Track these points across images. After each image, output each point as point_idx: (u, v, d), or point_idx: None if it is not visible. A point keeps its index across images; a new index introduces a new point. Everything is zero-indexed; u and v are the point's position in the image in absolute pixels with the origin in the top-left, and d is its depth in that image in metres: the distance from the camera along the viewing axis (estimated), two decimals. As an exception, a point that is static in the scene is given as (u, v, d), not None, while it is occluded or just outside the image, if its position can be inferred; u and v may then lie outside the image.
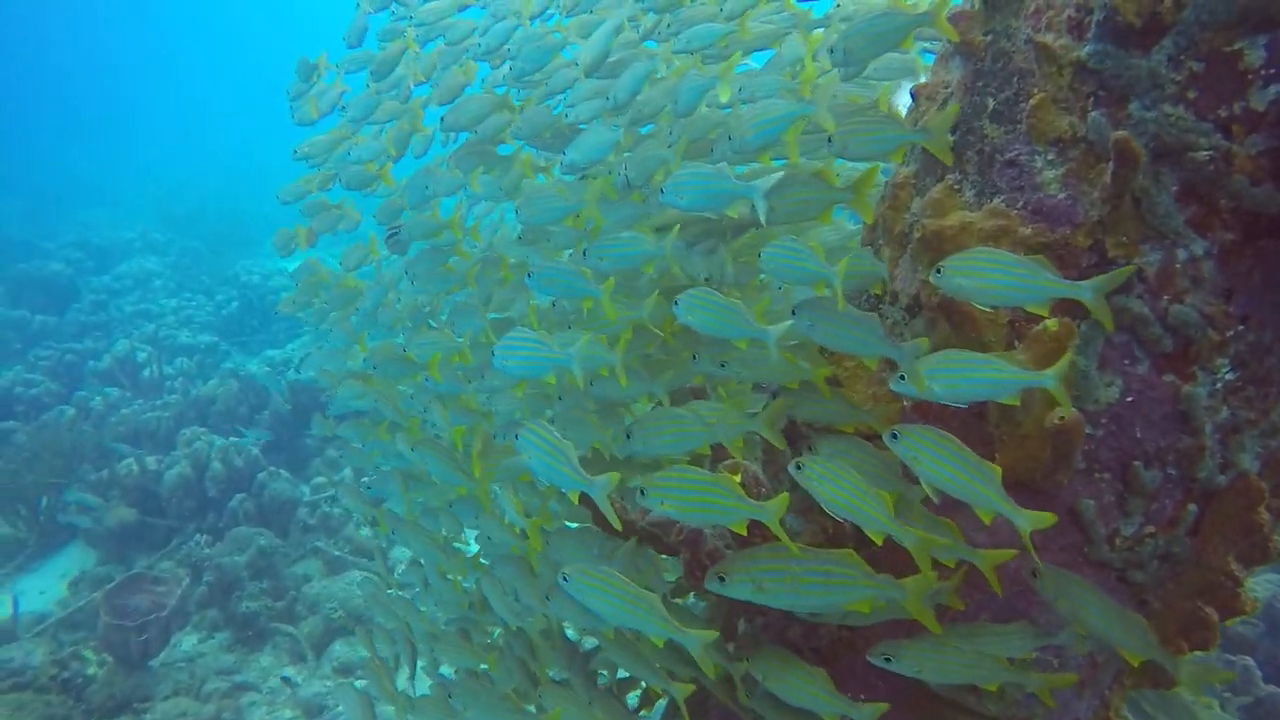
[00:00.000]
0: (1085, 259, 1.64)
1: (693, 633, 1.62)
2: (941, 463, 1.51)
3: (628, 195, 2.47)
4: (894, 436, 1.56)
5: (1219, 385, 1.63)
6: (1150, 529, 1.73)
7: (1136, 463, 1.68)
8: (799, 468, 1.60)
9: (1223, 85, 1.48)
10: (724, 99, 2.40)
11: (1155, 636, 1.61)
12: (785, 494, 1.63)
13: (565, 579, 1.65)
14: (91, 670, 5.38)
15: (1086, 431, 1.66)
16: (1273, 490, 1.75)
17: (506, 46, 2.94)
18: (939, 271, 1.56)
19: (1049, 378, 1.53)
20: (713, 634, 1.64)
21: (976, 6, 1.86)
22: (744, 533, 1.64)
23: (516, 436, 1.71)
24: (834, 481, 1.57)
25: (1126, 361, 1.65)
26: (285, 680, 5.69)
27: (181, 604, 6.31)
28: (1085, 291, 1.50)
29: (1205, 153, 1.49)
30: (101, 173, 18.53)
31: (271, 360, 8.42)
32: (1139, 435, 1.67)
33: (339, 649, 6.15)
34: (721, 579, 1.62)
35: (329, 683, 5.87)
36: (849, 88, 2.38)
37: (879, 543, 1.59)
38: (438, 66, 3.26)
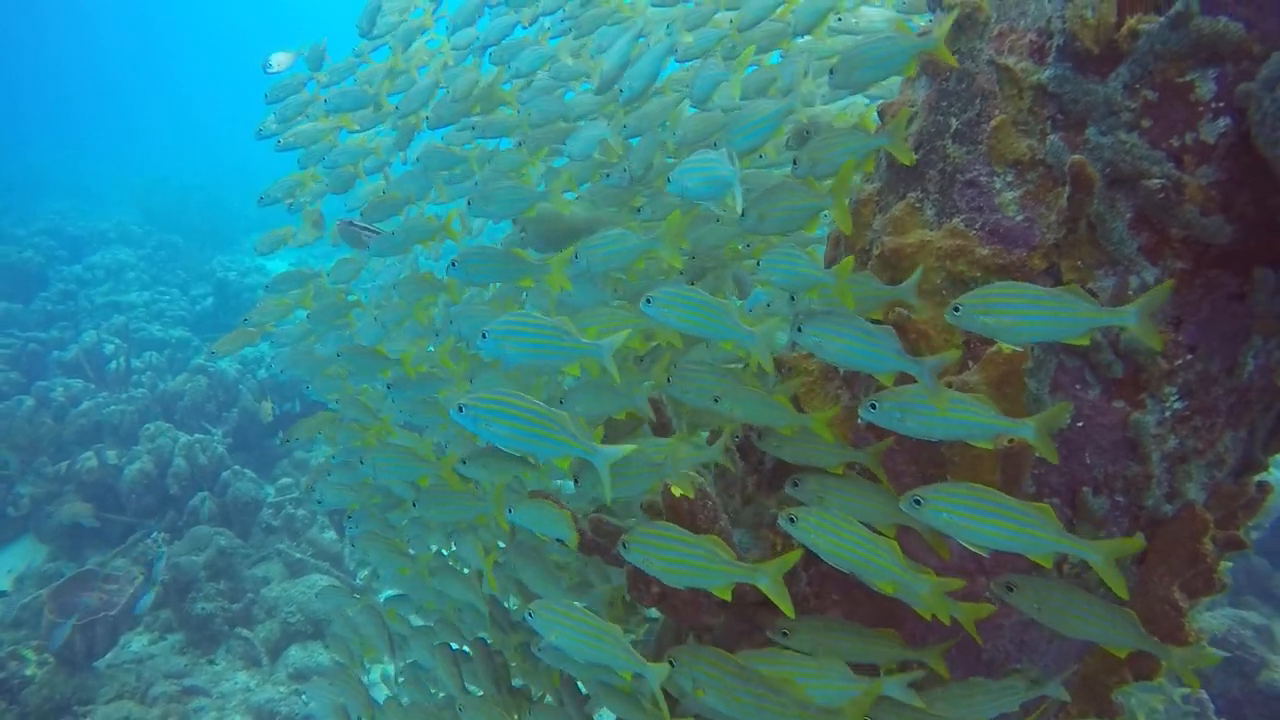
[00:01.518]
0: (1041, 281, 1.64)
1: (652, 666, 1.56)
2: (983, 517, 1.43)
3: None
4: (916, 503, 1.46)
5: (1167, 414, 1.64)
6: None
7: (1085, 489, 1.67)
8: (791, 521, 1.55)
9: (1175, 115, 1.49)
10: (736, 95, 2.38)
11: (1140, 624, 1.54)
12: (793, 553, 1.57)
13: (530, 614, 1.62)
14: (30, 671, 5.20)
15: (1036, 456, 1.65)
16: (1218, 522, 1.76)
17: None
18: (956, 310, 1.48)
19: (1029, 428, 1.46)
20: (665, 669, 1.56)
21: (943, 27, 1.87)
22: (728, 597, 1.58)
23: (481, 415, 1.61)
24: (832, 532, 1.51)
25: (1078, 386, 1.65)
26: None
27: (133, 603, 6.17)
28: (1131, 317, 1.40)
29: (1158, 181, 1.49)
30: (81, 163, 18.34)
31: (243, 358, 8.31)
32: (1088, 460, 1.66)
33: (295, 654, 6.02)
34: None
35: (282, 689, 5.75)
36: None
37: (890, 592, 1.54)
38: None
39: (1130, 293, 1.58)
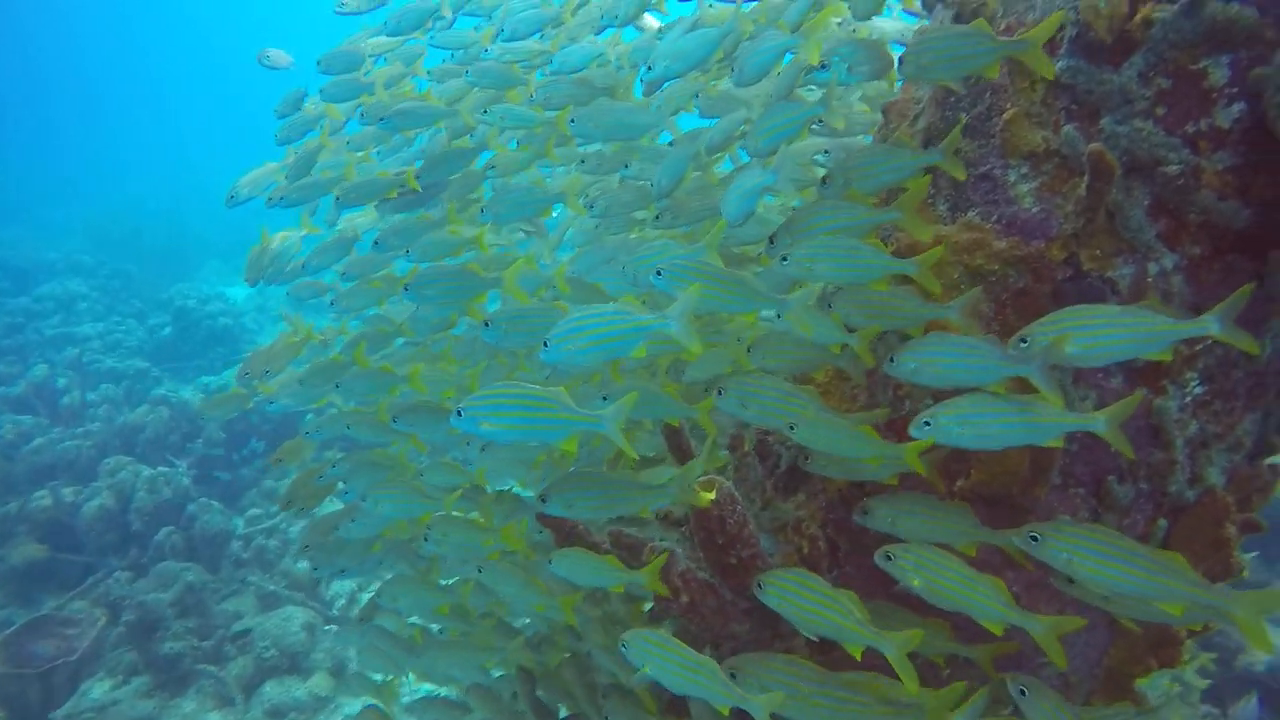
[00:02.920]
0: (1060, 272, 1.64)
1: (756, 699, 1.50)
2: (1110, 561, 1.36)
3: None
4: (1034, 539, 1.41)
5: (1188, 399, 1.65)
6: (1123, 543, 1.72)
7: (1110, 477, 1.67)
8: (889, 558, 1.51)
9: (1190, 102, 1.51)
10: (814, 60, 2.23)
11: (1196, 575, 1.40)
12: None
13: (625, 645, 1.56)
14: (-23, 730, 4.91)
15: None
16: (1237, 505, 1.77)
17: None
18: (1024, 341, 1.43)
19: (1099, 422, 1.42)
20: (778, 697, 1.51)
21: (946, 24, 1.88)
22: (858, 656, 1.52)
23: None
24: (934, 570, 1.48)
25: (1100, 375, 1.65)
26: None
27: (95, 647, 5.90)
28: (1214, 324, 1.37)
29: (1175, 167, 1.51)
30: (24, 190, 17.74)
31: (207, 387, 8.07)
32: (1113, 449, 1.66)
33: (270, 690, 5.81)
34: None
35: (258, 728, 5.54)
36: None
37: (998, 633, 1.50)
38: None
39: (1149, 280, 1.59)
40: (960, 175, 1.72)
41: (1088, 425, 1.44)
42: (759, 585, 1.56)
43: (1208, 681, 4.07)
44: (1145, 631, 1.79)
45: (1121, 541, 1.37)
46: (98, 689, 5.68)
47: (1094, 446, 1.67)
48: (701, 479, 1.65)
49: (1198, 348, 1.61)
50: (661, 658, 1.52)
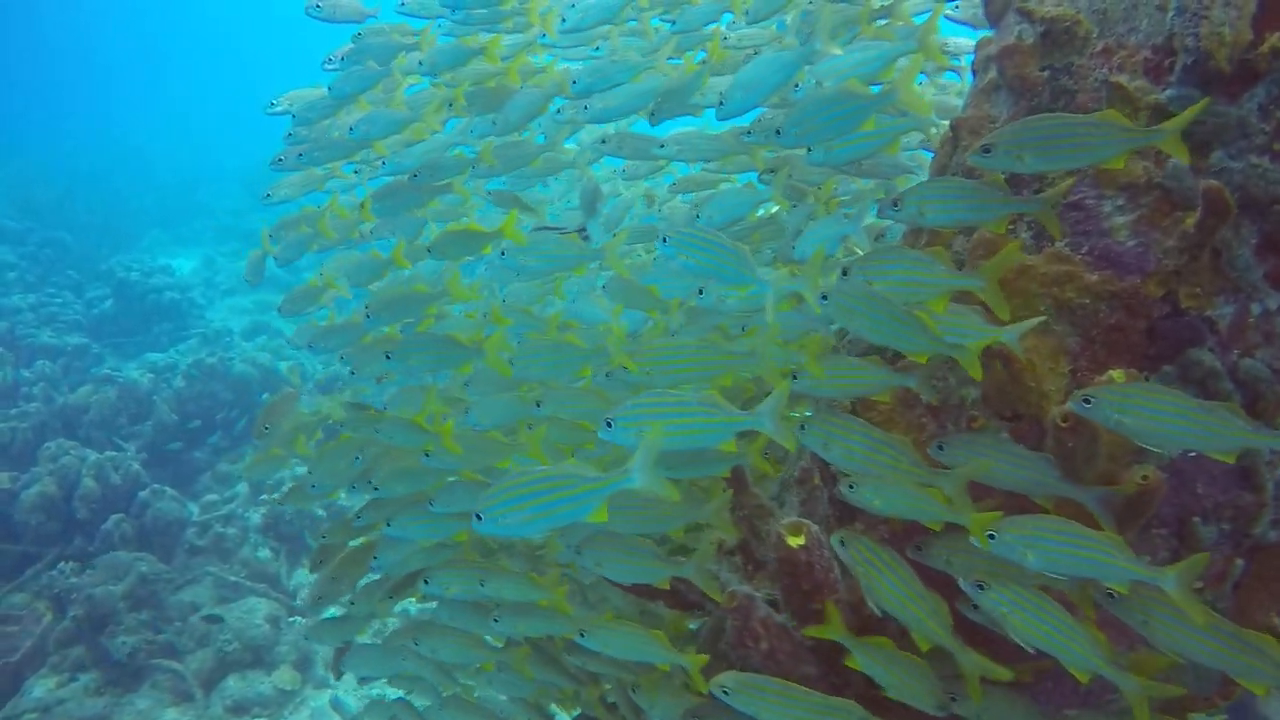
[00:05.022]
0: (1157, 309, 1.59)
1: None
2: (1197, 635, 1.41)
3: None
4: (1110, 596, 1.45)
5: None
6: (1199, 584, 1.69)
7: (1195, 519, 1.64)
8: (980, 588, 1.48)
9: (1309, 140, 1.45)
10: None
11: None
12: None
13: (725, 691, 1.48)
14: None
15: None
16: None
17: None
18: (1087, 403, 1.42)
19: (1170, 579, 1.41)
20: None
21: (1028, 40, 1.79)
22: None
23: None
24: (1027, 609, 1.44)
25: (1190, 415, 1.60)
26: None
27: (40, 644, 5.59)
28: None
29: (1291, 207, 1.46)
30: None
31: (154, 365, 7.66)
32: (1200, 491, 1.63)
33: (233, 685, 5.60)
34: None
35: (220, 725, 5.33)
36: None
37: (1085, 681, 1.46)
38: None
39: (1251, 320, 1.55)
40: (1057, 235, 1.63)
41: (1152, 579, 1.43)
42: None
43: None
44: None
45: (1067, 525, 1.44)
46: (40, 687, 5.39)
47: (1179, 488, 1.64)
48: (789, 523, 1.56)
49: (1291, 391, 1.58)
50: (774, 703, 1.46)
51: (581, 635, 1.79)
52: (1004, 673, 1.57)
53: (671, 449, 1.59)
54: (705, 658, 1.75)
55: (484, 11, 2.47)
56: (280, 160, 2.66)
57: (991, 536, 1.48)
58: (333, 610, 3.44)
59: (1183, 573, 1.41)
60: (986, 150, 1.54)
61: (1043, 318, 1.61)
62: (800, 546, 1.53)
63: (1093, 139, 1.46)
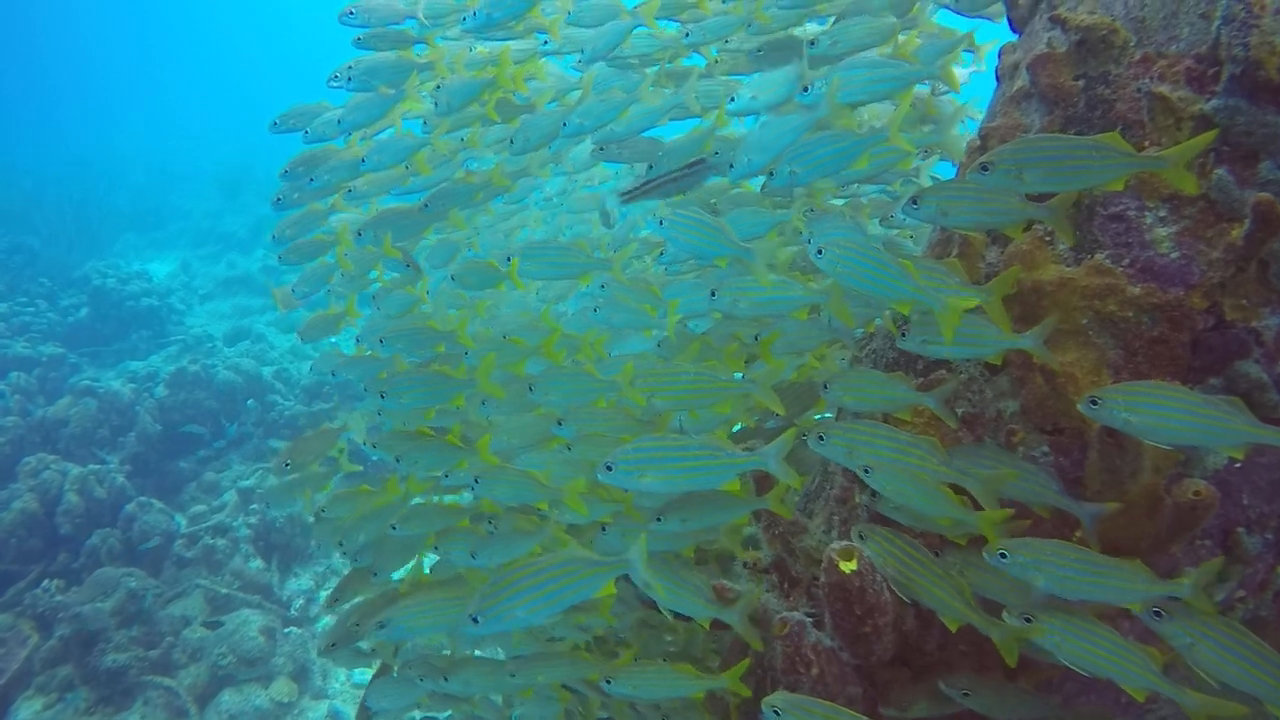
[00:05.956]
0: (1201, 321, 1.57)
1: None
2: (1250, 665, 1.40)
3: None
4: (1156, 615, 1.46)
5: (1319, 450, 1.61)
6: (1240, 593, 1.69)
7: (1240, 529, 1.64)
8: (1028, 620, 1.48)
9: (1355, 151, 1.44)
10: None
11: None
12: None
13: (776, 711, 1.46)
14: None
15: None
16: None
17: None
18: (1094, 403, 1.41)
19: (1186, 586, 1.43)
20: None
21: (1061, 48, 1.77)
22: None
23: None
24: (1081, 637, 1.44)
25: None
26: None
27: (26, 666, 5.45)
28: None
29: (1338, 219, 1.45)
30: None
31: (134, 374, 7.48)
32: (1245, 502, 1.62)
33: (229, 700, 5.50)
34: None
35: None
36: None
37: (1141, 699, 1.46)
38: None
39: (1296, 332, 1.54)
40: (1070, 240, 1.63)
41: (1169, 593, 1.43)
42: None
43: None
44: None
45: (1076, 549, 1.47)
46: (27, 709, 5.26)
47: (1224, 499, 1.63)
48: (840, 547, 1.53)
49: (1335, 400, 1.57)
50: None
51: (608, 683, 1.76)
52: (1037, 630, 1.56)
53: (675, 491, 1.65)
54: (744, 664, 1.76)
55: (500, 32, 2.44)
56: (280, 200, 2.61)
57: (1003, 556, 1.49)
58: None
59: (1198, 578, 1.43)
60: (985, 169, 1.52)
61: (1054, 319, 1.59)
62: (853, 572, 1.51)
63: (1092, 162, 1.44)
